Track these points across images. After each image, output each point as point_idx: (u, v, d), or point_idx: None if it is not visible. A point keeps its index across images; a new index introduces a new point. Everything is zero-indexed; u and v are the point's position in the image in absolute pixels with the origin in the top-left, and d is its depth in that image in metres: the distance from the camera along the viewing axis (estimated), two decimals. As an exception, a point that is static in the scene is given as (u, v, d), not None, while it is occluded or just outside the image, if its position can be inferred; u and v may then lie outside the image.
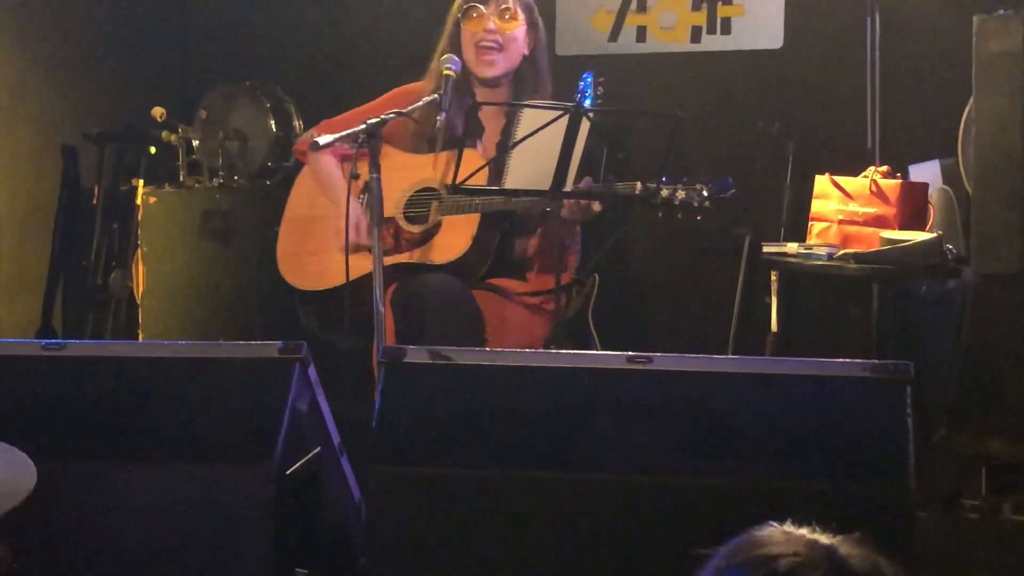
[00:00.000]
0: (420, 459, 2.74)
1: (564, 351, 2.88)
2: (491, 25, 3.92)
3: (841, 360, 2.75)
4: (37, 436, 2.66)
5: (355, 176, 3.45)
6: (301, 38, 5.28)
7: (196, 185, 5.10)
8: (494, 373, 2.80)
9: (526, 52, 4.00)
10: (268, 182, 5.19)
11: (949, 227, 4.12)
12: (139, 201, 4.95)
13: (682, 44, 4.91)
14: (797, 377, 2.73)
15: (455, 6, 4.00)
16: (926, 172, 4.32)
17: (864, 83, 4.52)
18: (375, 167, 3.44)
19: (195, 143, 5.16)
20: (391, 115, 3.56)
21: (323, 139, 3.40)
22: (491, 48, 3.92)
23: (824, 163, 4.59)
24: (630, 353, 2.77)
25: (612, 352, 2.79)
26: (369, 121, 3.46)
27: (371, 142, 3.44)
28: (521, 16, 3.96)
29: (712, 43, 4.86)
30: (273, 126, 5.16)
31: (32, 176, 5.06)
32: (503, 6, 3.94)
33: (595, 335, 4.10)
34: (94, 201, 5.10)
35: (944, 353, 4.02)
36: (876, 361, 2.73)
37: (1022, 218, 3.82)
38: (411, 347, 2.85)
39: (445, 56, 3.87)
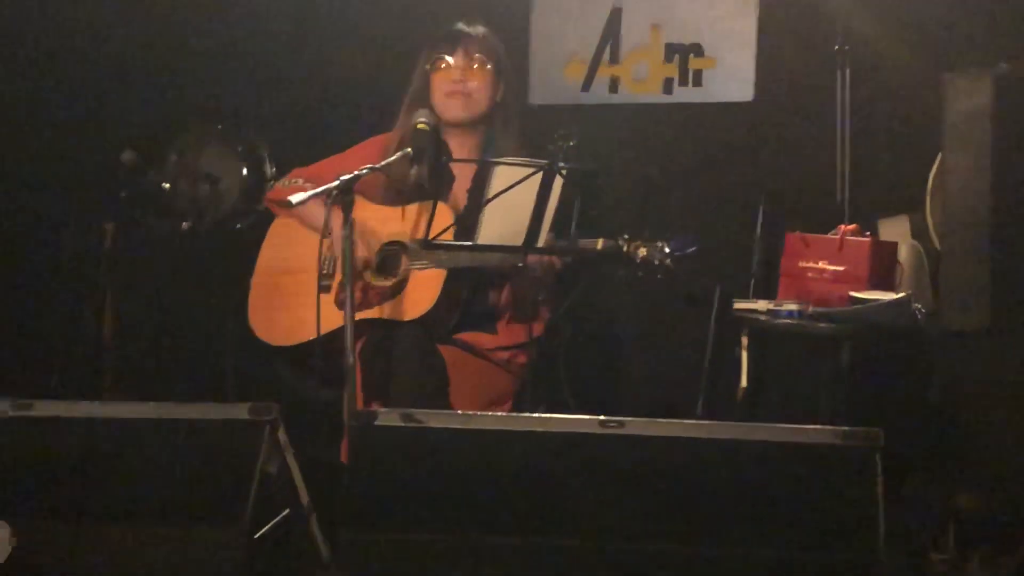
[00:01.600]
0: (391, 524, 2.73)
1: (536, 415, 2.87)
2: (458, 74, 3.97)
3: (812, 427, 2.76)
4: (7, 498, 2.64)
5: (328, 234, 3.44)
6: (273, 82, 5.26)
7: (166, 229, 5.07)
8: (466, 437, 2.80)
9: (496, 99, 4.04)
10: (239, 226, 5.17)
11: (918, 283, 4.15)
12: (108, 245, 4.94)
13: (654, 95, 4.92)
14: (768, 444, 2.74)
15: (423, 56, 4.03)
16: (895, 227, 4.34)
17: (834, 137, 4.53)
18: (348, 224, 3.44)
19: (166, 186, 5.13)
20: (364, 171, 3.56)
21: (296, 197, 3.39)
22: (458, 93, 3.97)
23: (794, 215, 4.63)
24: (602, 417, 2.77)
25: (584, 416, 2.79)
26: (342, 177, 3.45)
27: (344, 198, 3.43)
28: (489, 64, 3.99)
29: (684, 95, 4.88)
30: (244, 170, 5.14)
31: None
32: (470, 54, 3.99)
33: (567, 388, 4.10)
34: (63, 245, 5.07)
35: (914, 407, 4.04)
36: (846, 428, 2.74)
37: (989, 275, 3.85)
38: (382, 410, 2.84)
39: (419, 110, 3.91)
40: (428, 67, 4.02)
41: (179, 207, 5.12)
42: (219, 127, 5.19)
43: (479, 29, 4.06)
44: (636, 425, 2.76)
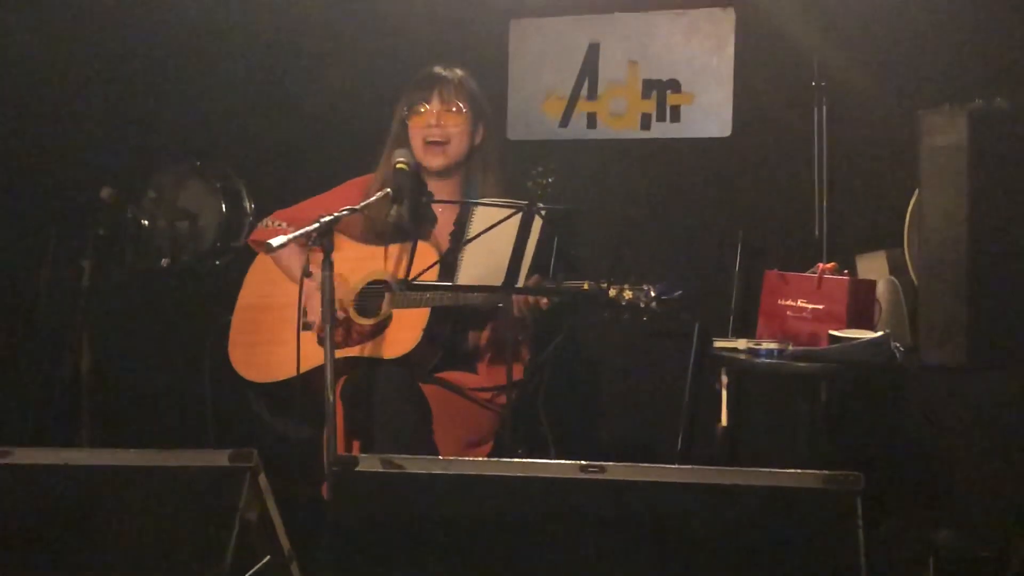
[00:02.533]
0: (372, 570, 2.72)
1: (517, 460, 2.86)
2: (435, 120, 3.98)
3: (793, 471, 2.76)
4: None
5: (308, 274, 3.44)
6: (252, 118, 5.28)
7: (144, 266, 5.07)
8: (447, 482, 2.79)
9: (475, 142, 4.05)
10: (218, 263, 5.17)
11: (896, 318, 4.17)
12: (86, 282, 4.93)
13: (632, 131, 4.94)
14: (749, 488, 2.74)
15: (400, 105, 4.05)
16: (873, 262, 4.36)
17: (811, 172, 4.56)
18: (328, 265, 3.44)
19: (144, 223, 5.13)
20: (345, 212, 3.56)
21: (276, 240, 3.39)
22: (437, 143, 3.98)
23: (772, 251, 4.65)
24: (583, 462, 2.77)
25: (565, 461, 2.79)
26: (323, 219, 3.45)
27: (324, 240, 3.43)
28: (466, 108, 4.01)
29: (662, 130, 4.90)
30: (223, 207, 5.14)
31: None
32: (447, 101, 4.00)
33: (547, 426, 4.11)
34: (40, 283, 5.06)
35: (893, 444, 4.06)
36: (827, 472, 2.74)
37: (967, 310, 3.88)
38: (363, 456, 2.83)
39: (398, 150, 3.92)
40: (405, 113, 4.03)
41: (158, 244, 5.12)
42: (197, 164, 5.20)
43: (456, 73, 4.06)
44: (617, 470, 2.76)
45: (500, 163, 4.11)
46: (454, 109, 4.01)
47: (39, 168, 5.20)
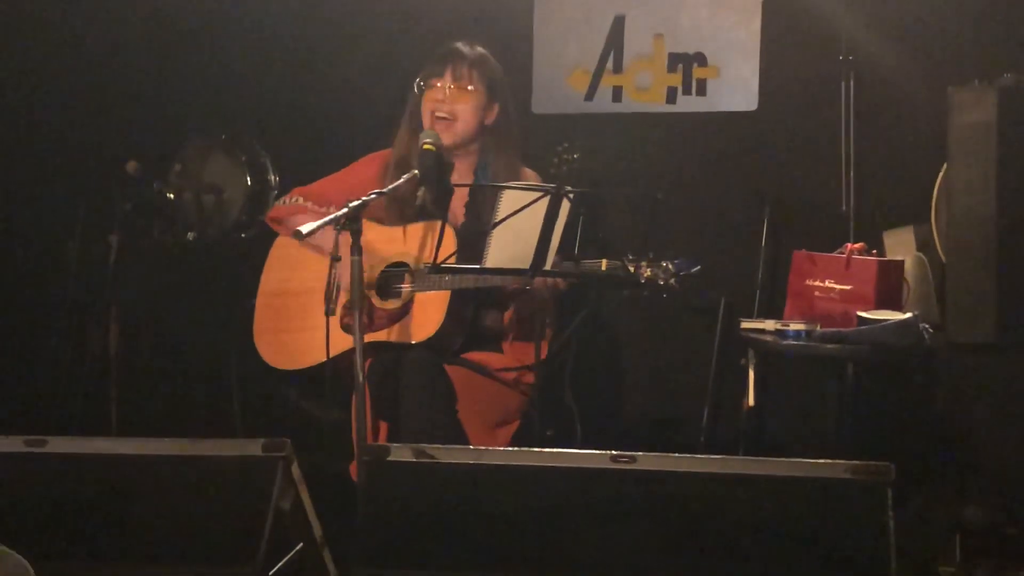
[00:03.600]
0: (404, 561, 2.75)
1: (548, 450, 2.88)
2: (445, 95, 3.98)
3: (822, 461, 2.77)
4: (19, 536, 2.65)
5: (337, 259, 3.44)
6: (276, 91, 5.27)
7: (171, 240, 5.09)
8: (478, 472, 2.81)
9: (488, 122, 4.03)
10: (244, 236, 5.17)
11: (924, 295, 4.16)
12: (114, 257, 4.95)
13: (657, 105, 4.92)
14: (779, 478, 2.75)
15: (419, 79, 4.04)
16: (900, 238, 4.35)
17: (839, 147, 4.54)
18: (357, 250, 3.44)
19: (170, 197, 5.14)
20: (372, 196, 3.57)
21: (305, 228, 3.40)
22: (444, 119, 3.98)
23: (799, 226, 4.64)
24: (613, 452, 2.79)
25: (596, 451, 2.80)
26: (350, 204, 3.46)
27: (352, 225, 3.44)
28: (478, 88, 4.00)
29: (687, 104, 4.87)
30: (248, 180, 5.15)
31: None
32: (460, 78, 4.00)
33: (573, 404, 4.13)
34: (69, 257, 5.08)
35: (920, 423, 4.06)
36: (856, 462, 2.75)
37: (996, 287, 3.87)
38: (394, 445, 2.85)
39: (425, 131, 3.92)
40: (419, 88, 4.03)
41: (184, 217, 5.13)
42: (223, 137, 5.19)
43: (476, 50, 4.05)
44: (647, 460, 2.77)
45: (515, 144, 4.10)
46: (466, 87, 4.00)
47: (66, 143, 5.21)
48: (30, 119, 5.14)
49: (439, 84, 4.00)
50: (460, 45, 4.05)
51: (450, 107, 3.99)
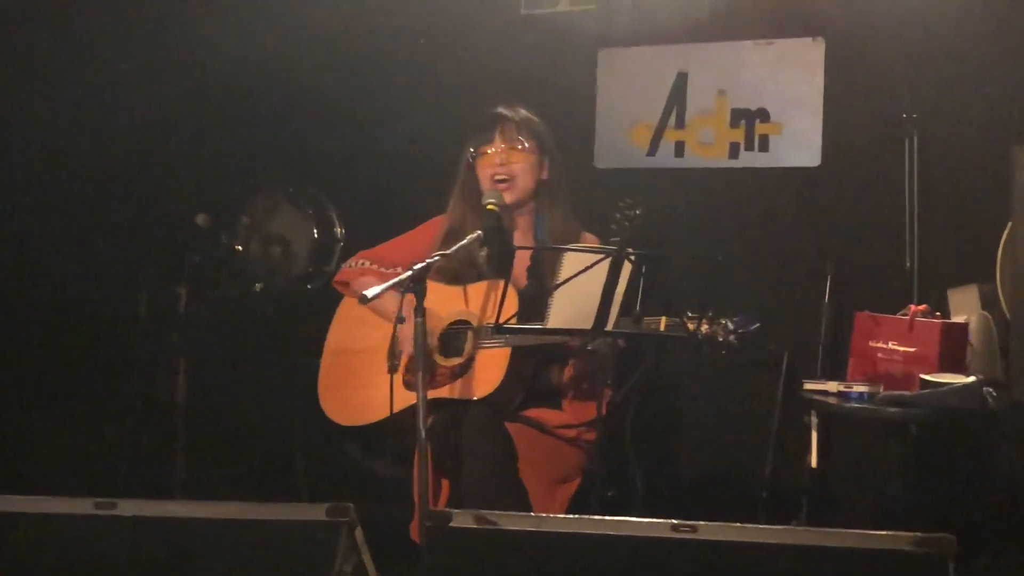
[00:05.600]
0: (465, 627, 2.77)
1: (609, 518, 2.88)
2: (501, 159, 4.05)
3: (883, 533, 2.75)
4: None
5: (402, 320, 3.49)
6: (342, 147, 5.35)
7: (239, 291, 5.17)
8: (539, 539, 2.82)
9: (543, 177, 4.10)
10: (309, 286, 5.24)
11: (988, 354, 4.13)
12: (182, 309, 5.03)
13: (720, 160, 4.94)
14: (840, 550, 2.74)
15: (465, 148, 4.11)
16: (964, 297, 4.33)
17: (902, 204, 4.53)
18: (420, 311, 3.49)
19: (238, 249, 5.23)
20: (435, 258, 3.61)
21: (370, 291, 3.44)
22: (503, 181, 4.04)
23: (862, 283, 4.63)
24: (674, 521, 2.79)
25: (656, 520, 2.80)
26: (415, 267, 3.50)
27: (417, 288, 3.48)
28: (530, 145, 4.06)
29: (750, 160, 4.90)
30: (315, 232, 5.22)
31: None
32: (510, 140, 4.07)
33: (635, 461, 4.14)
34: (138, 310, 5.17)
35: (984, 488, 4.03)
36: (919, 534, 2.73)
37: (1061, 346, 3.84)
38: (456, 511, 2.87)
39: (488, 191, 3.97)
40: (472, 155, 4.09)
41: (251, 269, 5.21)
42: (290, 191, 5.28)
43: (519, 112, 4.12)
44: (708, 530, 2.77)
45: (567, 196, 4.15)
46: (518, 147, 4.06)
47: (136, 196, 5.31)
48: (101, 172, 5.24)
49: (491, 149, 4.07)
50: (502, 110, 4.12)
51: (507, 169, 4.05)
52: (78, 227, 5.22)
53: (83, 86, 5.23)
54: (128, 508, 2.95)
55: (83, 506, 2.97)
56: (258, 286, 5.22)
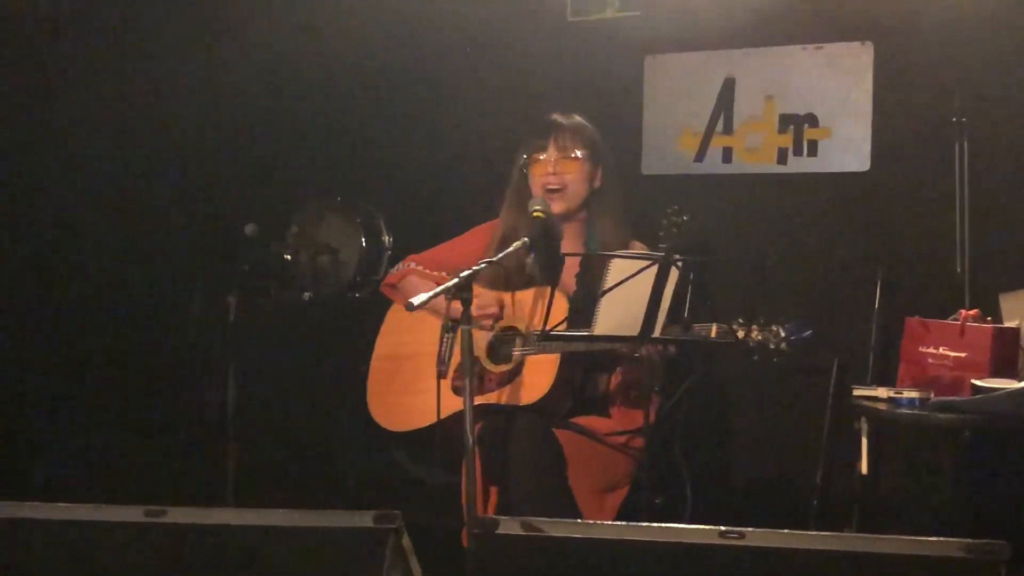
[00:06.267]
0: (514, 635, 2.77)
1: (657, 524, 2.88)
2: (553, 168, 4.04)
3: (934, 539, 2.73)
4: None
5: (450, 329, 3.51)
6: (390, 156, 5.38)
7: (288, 300, 5.20)
8: (587, 547, 2.81)
9: (595, 185, 4.09)
10: (357, 295, 5.27)
11: (1041, 359, 4.09)
12: (232, 318, 5.07)
13: (768, 165, 4.92)
14: (891, 556, 2.72)
15: (518, 154, 4.12)
16: (1016, 301, 4.28)
17: (952, 208, 4.48)
18: (467, 319, 3.50)
19: (287, 258, 5.26)
20: (482, 265, 3.62)
21: (417, 299, 3.46)
22: (555, 190, 4.05)
23: (912, 288, 4.59)
24: (722, 528, 2.78)
25: (704, 527, 2.80)
26: (461, 274, 3.51)
27: (463, 294, 3.49)
28: (583, 153, 4.05)
29: (798, 165, 4.86)
30: (363, 240, 5.24)
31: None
32: (563, 148, 4.06)
33: (684, 468, 4.12)
34: (189, 318, 5.22)
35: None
36: (970, 540, 2.70)
37: (1115, 351, 3.80)
38: (504, 518, 2.87)
39: (534, 199, 3.98)
40: (525, 162, 4.09)
41: (300, 278, 5.24)
42: (338, 199, 5.30)
43: (573, 119, 4.12)
44: (756, 536, 2.75)
45: (620, 205, 4.15)
46: (571, 155, 4.06)
47: (186, 206, 5.36)
48: (151, 183, 5.30)
49: (543, 157, 4.07)
50: (556, 116, 4.12)
51: (560, 178, 4.05)
52: (132, 237, 5.27)
53: (131, 98, 5.29)
54: (179, 515, 2.98)
55: (133, 514, 2.99)
56: (307, 295, 5.24)
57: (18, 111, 4.94)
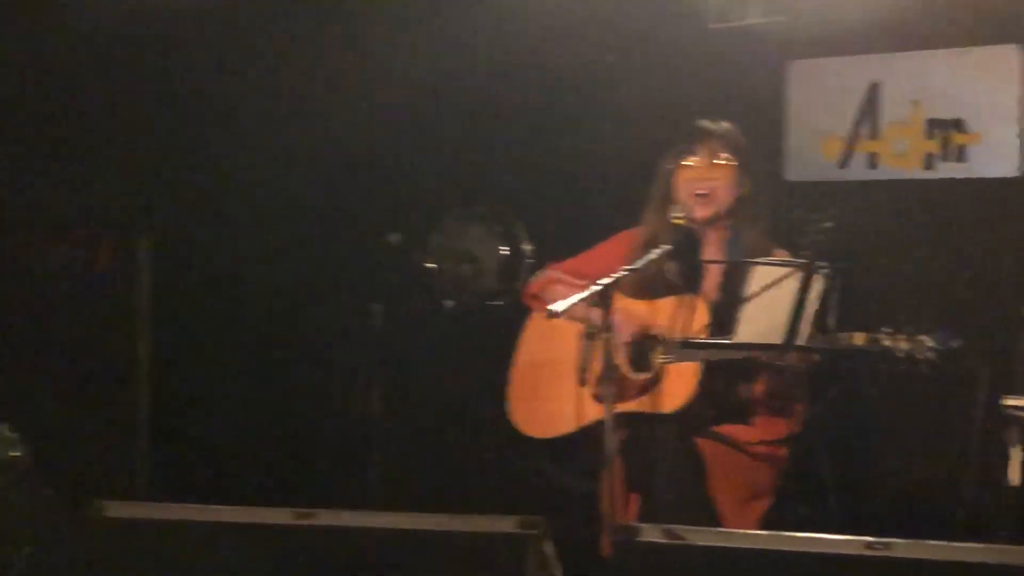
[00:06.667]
0: (655, 642, 2.77)
1: (802, 534, 2.86)
2: (701, 173, 4.03)
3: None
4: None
5: (591, 336, 3.52)
6: (531, 164, 5.40)
7: (430, 308, 5.27)
8: (729, 555, 2.81)
9: (741, 194, 4.05)
10: (498, 303, 5.30)
11: None
12: (377, 326, 5.15)
13: (915, 171, 4.84)
14: (1043, 570, 2.67)
15: (665, 160, 4.09)
16: None
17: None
18: (608, 326, 3.50)
19: (431, 267, 5.33)
20: (623, 273, 3.63)
21: (559, 306, 3.48)
22: (702, 195, 4.02)
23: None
24: (869, 539, 2.75)
25: (850, 537, 2.77)
26: (601, 282, 3.52)
27: (604, 302, 3.50)
28: (731, 160, 4.02)
29: (946, 170, 4.77)
30: (504, 249, 5.28)
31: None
32: (712, 152, 4.02)
33: (829, 478, 4.08)
34: (336, 326, 5.32)
35: None
36: None
37: None
38: (644, 525, 2.88)
39: (674, 205, 3.97)
40: (671, 167, 4.07)
41: (442, 286, 5.30)
42: (479, 207, 5.35)
43: (722, 126, 4.09)
44: (903, 548, 2.72)
45: (767, 215, 4.10)
46: (720, 161, 4.03)
47: (331, 217, 5.46)
48: (297, 193, 5.40)
49: (692, 162, 4.04)
50: (705, 123, 4.09)
51: (707, 184, 4.02)
52: (281, 247, 5.38)
53: (273, 108, 5.40)
54: (328, 518, 3.05)
55: (283, 516, 3.07)
56: (448, 303, 5.30)
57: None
